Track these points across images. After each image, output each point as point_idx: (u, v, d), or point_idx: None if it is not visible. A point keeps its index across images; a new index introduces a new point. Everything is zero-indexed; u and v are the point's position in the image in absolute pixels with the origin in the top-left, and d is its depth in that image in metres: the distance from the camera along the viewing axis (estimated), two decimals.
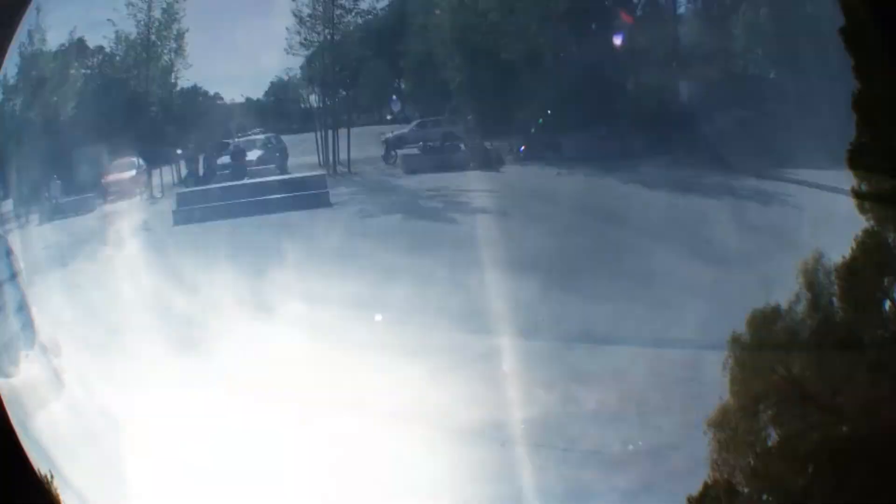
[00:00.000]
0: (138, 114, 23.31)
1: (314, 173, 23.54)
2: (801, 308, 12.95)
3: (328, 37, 23.50)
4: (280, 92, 27.70)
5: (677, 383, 11.48)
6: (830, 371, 10.65)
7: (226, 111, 26.93)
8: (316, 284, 15.81)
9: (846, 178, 16.96)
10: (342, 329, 14.07)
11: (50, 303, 13.41)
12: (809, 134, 19.67)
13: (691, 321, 13.16)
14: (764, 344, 11.93)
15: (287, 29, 23.04)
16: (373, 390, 11.56)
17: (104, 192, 22.30)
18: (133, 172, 22.89)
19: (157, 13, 22.32)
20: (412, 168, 23.77)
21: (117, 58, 23.62)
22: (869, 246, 13.89)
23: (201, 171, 23.04)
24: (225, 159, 23.53)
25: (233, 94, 27.19)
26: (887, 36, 14.75)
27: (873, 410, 9.58)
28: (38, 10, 18.87)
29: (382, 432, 10.39)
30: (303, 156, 24.90)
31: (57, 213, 21.13)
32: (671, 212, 19.55)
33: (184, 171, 23.45)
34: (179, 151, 23.71)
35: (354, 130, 24.94)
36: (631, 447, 9.78)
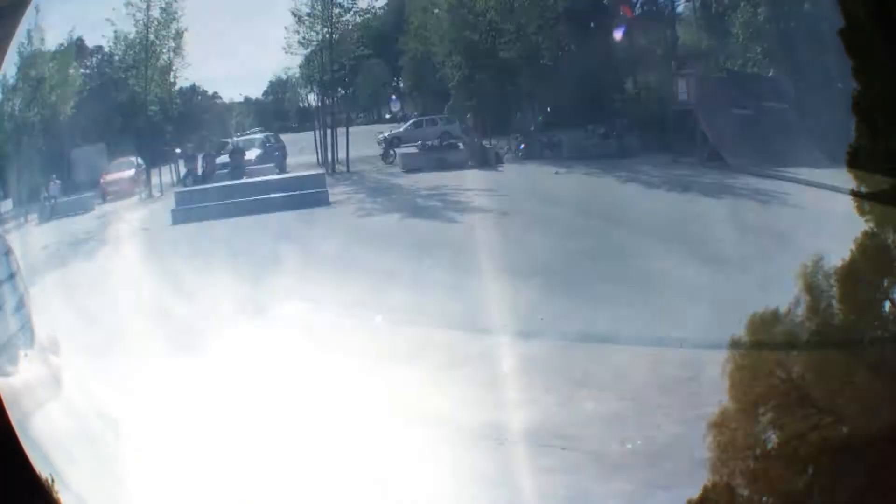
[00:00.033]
0: (137, 113, 23.26)
1: (313, 172, 23.46)
2: (801, 311, 12.93)
3: (326, 36, 23.46)
4: (279, 91, 27.65)
5: (676, 384, 11.45)
6: (830, 374, 10.64)
7: (224, 110, 26.90)
8: (314, 284, 15.78)
9: (844, 178, 16.94)
10: (341, 328, 14.04)
11: (49, 302, 13.37)
12: (808, 133, 19.65)
13: (689, 321, 13.13)
14: (763, 347, 11.91)
15: (286, 28, 22.97)
16: (371, 389, 11.52)
17: (103, 192, 22.24)
18: (132, 172, 22.85)
19: (155, 13, 22.27)
20: (411, 167, 23.71)
21: (116, 57, 23.58)
22: (868, 248, 13.86)
23: (200, 171, 22.99)
24: (224, 158, 23.48)
25: (231, 93, 27.17)
26: (887, 39, 14.72)
27: (873, 413, 9.56)
28: (37, 9, 18.84)
29: (381, 432, 10.36)
30: (301, 155, 24.82)
31: (56, 212, 21.08)
32: (670, 210, 19.53)
33: (183, 171, 23.41)
34: (178, 151, 23.67)
35: (353, 129, 24.87)
36: (630, 446, 9.75)
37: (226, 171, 22.92)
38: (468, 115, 23.99)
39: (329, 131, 24.16)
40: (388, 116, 28.33)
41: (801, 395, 10.13)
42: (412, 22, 26.99)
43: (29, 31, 20.07)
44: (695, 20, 24.99)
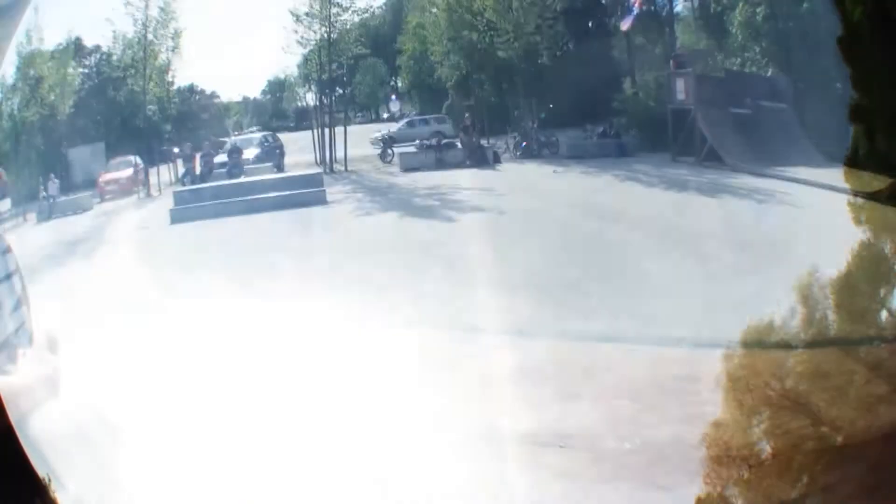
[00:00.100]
0: (135, 113, 23.26)
1: (311, 171, 23.44)
2: (796, 322, 12.96)
3: (325, 35, 23.45)
4: (277, 90, 27.67)
5: (674, 382, 11.45)
6: (825, 384, 10.66)
7: (223, 110, 26.91)
8: (313, 283, 15.77)
9: (841, 177, 16.94)
10: (340, 328, 14.03)
11: (47, 301, 13.35)
12: (805, 132, 19.66)
13: (687, 320, 13.13)
14: (758, 358, 11.95)
15: (284, 27, 22.96)
16: (369, 388, 11.52)
17: (101, 191, 22.23)
18: (130, 171, 22.85)
19: (154, 12, 22.26)
20: (409, 166, 23.71)
21: (114, 57, 23.58)
22: (865, 258, 13.89)
23: (198, 170, 23.00)
24: (222, 158, 23.47)
25: (230, 92, 27.22)
26: (885, 49, 14.75)
27: (868, 422, 9.58)
28: (36, 9, 18.84)
29: (380, 432, 10.35)
30: (299, 154, 24.80)
31: (54, 211, 21.07)
32: (667, 209, 19.53)
33: (181, 170, 23.41)
34: (177, 150, 23.66)
35: (351, 129, 24.85)
36: (628, 445, 9.76)
37: (224, 170, 22.92)
38: (466, 115, 24.02)
39: (327, 130, 24.17)
40: (386, 116, 28.37)
41: (796, 405, 10.16)
42: (410, 21, 27.04)
43: (28, 31, 20.12)
44: (693, 20, 25.03)
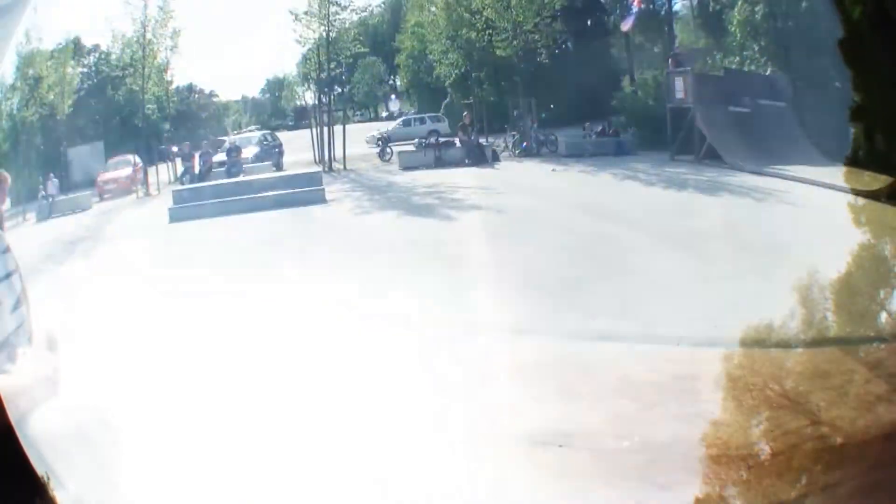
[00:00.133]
0: (134, 112, 23.26)
1: (309, 170, 23.43)
2: (796, 321, 12.97)
3: (324, 34, 23.44)
4: (276, 89, 27.65)
5: (672, 380, 11.45)
6: (824, 385, 10.66)
7: (221, 109, 26.91)
8: (312, 282, 15.76)
9: (840, 175, 16.94)
10: (336, 328, 14.03)
11: (46, 300, 13.35)
12: (804, 131, 19.65)
13: (685, 320, 13.13)
14: (757, 360, 11.95)
15: (282, 26, 22.94)
16: (368, 387, 11.52)
17: (100, 190, 22.22)
18: (129, 170, 22.85)
19: (153, 12, 22.25)
20: (407, 165, 23.69)
21: (113, 56, 23.57)
22: (865, 260, 13.89)
23: (197, 169, 22.99)
24: (221, 157, 23.46)
25: (229, 91, 27.20)
26: (886, 51, 14.75)
27: (868, 423, 9.58)
28: (35, 9, 18.82)
29: (378, 432, 10.35)
30: (298, 153, 24.78)
31: (54, 210, 21.06)
32: (667, 208, 19.52)
33: (180, 169, 23.40)
34: (175, 149, 23.66)
35: (350, 127, 24.82)
36: (627, 444, 9.75)
37: (223, 169, 22.92)
38: (465, 113, 24.01)
39: (326, 129, 24.17)
40: (385, 115, 28.39)
41: (796, 405, 10.16)
42: (409, 20, 27.04)
43: (27, 31, 20.12)
44: (692, 18, 25.04)
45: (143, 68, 22.70)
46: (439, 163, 23.28)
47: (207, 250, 17.87)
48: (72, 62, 22.36)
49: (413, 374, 11.88)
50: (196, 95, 26.12)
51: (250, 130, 26.85)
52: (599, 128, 23.81)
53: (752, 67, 22.45)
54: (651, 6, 25.21)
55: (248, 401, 10.86)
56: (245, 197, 20.87)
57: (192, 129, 25.29)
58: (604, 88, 23.86)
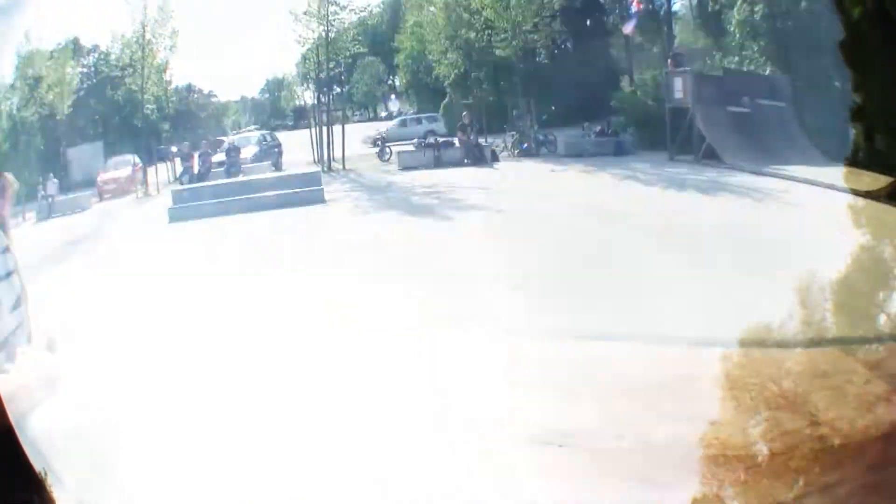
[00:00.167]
0: (134, 112, 23.27)
1: (309, 170, 23.43)
2: (794, 321, 12.97)
3: (323, 34, 23.44)
4: (275, 89, 27.66)
5: (671, 380, 11.46)
6: (822, 386, 10.66)
7: (221, 109, 26.92)
8: (311, 282, 15.77)
9: (840, 175, 16.94)
10: (338, 325, 14.03)
11: (46, 299, 13.36)
12: (804, 131, 19.67)
13: (683, 319, 13.14)
14: (756, 361, 11.95)
15: (282, 26, 22.94)
16: (367, 387, 11.52)
17: (100, 190, 22.24)
18: (129, 170, 22.86)
19: (152, 12, 22.25)
20: (406, 165, 23.68)
21: (113, 56, 23.59)
22: (865, 262, 13.90)
23: (196, 169, 23.00)
24: (220, 157, 23.47)
25: (228, 91, 27.20)
26: (886, 50, 14.75)
27: (867, 423, 9.58)
28: (35, 9, 18.83)
29: (377, 431, 10.35)
30: (297, 153, 24.78)
31: (53, 210, 21.07)
32: (666, 208, 19.54)
33: (179, 169, 23.41)
34: (175, 149, 23.66)
35: (349, 127, 24.83)
36: (626, 443, 9.75)
37: (222, 169, 22.93)
38: (464, 113, 24.01)
39: (325, 129, 24.17)
40: (384, 115, 28.39)
41: (794, 404, 10.17)
42: (408, 20, 27.04)
43: (26, 31, 20.13)
44: (691, 19, 25.04)
45: (143, 68, 22.70)
46: (438, 163, 23.28)
47: (206, 249, 17.88)
48: (71, 62, 22.36)
49: (411, 374, 11.89)
50: (195, 95, 26.14)
51: (249, 130, 26.86)
52: (598, 128, 23.80)
53: (752, 67, 22.46)
54: (650, 6, 25.22)
55: (247, 400, 10.87)
56: (244, 197, 20.87)
57: (192, 129, 25.31)
58: (603, 88, 23.87)
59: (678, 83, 22.09)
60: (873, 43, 15.14)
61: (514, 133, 24.29)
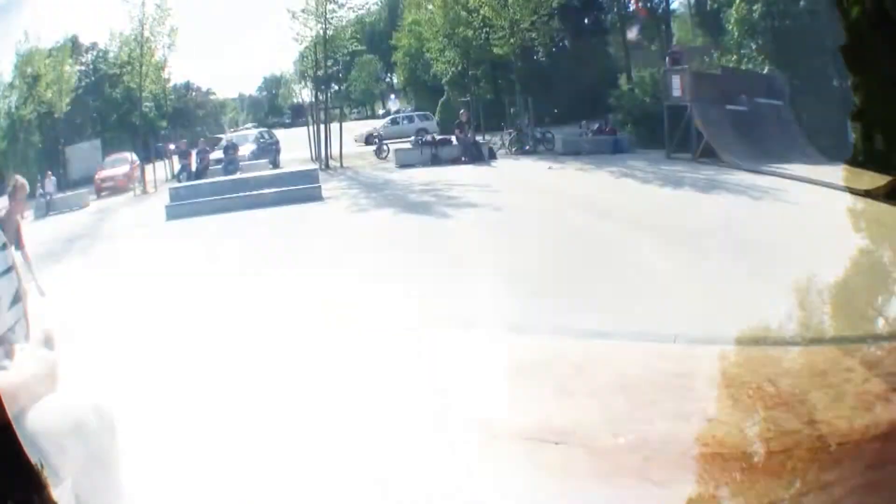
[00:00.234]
0: (131, 110, 23.28)
1: (306, 168, 23.43)
2: (793, 319, 12.99)
3: (320, 32, 23.44)
4: (272, 87, 27.67)
5: (668, 377, 11.48)
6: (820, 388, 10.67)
7: (218, 107, 26.93)
8: (309, 279, 15.77)
9: (837, 174, 16.95)
10: (337, 323, 14.04)
11: (44, 296, 13.36)
12: (802, 129, 19.68)
13: (681, 317, 13.15)
14: (754, 362, 11.97)
15: (279, 24, 22.94)
16: (367, 386, 11.53)
17: (98, 188, 22.24)
18: (126, 168, 22.86)
19: (150, 10, 22.25)
20: (404, 162, 23.69)
21: (111, 54, 23.59)
22: (863, 266, 13.92)
23: (194, 167, 23.00)
24: (218, 154, 23.48)
25: (226, 89, 27.21)
26: (885, 50, 14.78)
27: (865, 423, 9.60)
28: (33, 7, 18.83)
29: (376, 430, 10.36)
30: (295, 150, 24.78)
31: (51, 208, 21.07)
32: (664, 206, 19.54)
33: (177, 167, 23.42)
34: (172, 147, 23.67)
35: (346, 125, 24.84)
36: (623, 441, 9.77)
37: (220, 166, 22.95)
38: (462, 111, 24.03)
39: (322, 127, 24.18)
40: (381, 112, 28.43)
41: (792, 403, 10.18)
42: (406, 18, 27.06)
43: (25, 29, 20.15)
44: (689, 16, 25.07)
45: (141, 66, 22.72)
46: (436, 161, 23.30)
47: (205, 247, 17.88)
48: (70, 60, 22.38)
49: (409, 372, 11.90)
50: (193, 93, 26.16)
51: (247, 128, 26.90)
52: (596, 126, 23.83)
53: (750, 66, 22.49)
54: (648, 4, 25.26)
55: (248, 398, 10.87)
56: (242, 194, 20.88)
57: (189, 127, 25.34)
58: (601, 86, 23.90)
59: (676, 81, 22.11)
60: (872, 42, 15.18)
61: (511, 131, 24.31)
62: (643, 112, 23.10)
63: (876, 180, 15.73)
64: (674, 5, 25.29)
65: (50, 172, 21.28)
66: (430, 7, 25.11)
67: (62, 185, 21.59)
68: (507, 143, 24.09)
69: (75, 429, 4.60)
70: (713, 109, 21.33)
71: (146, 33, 22.44)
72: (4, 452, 4.31)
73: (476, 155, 23.44)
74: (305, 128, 24.76)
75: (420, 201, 20.82)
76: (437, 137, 24.16)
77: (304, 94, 26.33)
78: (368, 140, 25.39)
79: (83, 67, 23.36)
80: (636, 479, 8.65)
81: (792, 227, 16.41)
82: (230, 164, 22.90)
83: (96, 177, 22.36)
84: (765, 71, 22.25)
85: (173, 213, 20.41)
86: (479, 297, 14.01)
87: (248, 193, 20.94)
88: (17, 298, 4.71)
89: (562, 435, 9.59)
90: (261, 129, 26.16)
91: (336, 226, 19.45)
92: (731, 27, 22.71)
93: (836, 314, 13.08)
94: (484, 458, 9.25)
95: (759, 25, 22.07)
